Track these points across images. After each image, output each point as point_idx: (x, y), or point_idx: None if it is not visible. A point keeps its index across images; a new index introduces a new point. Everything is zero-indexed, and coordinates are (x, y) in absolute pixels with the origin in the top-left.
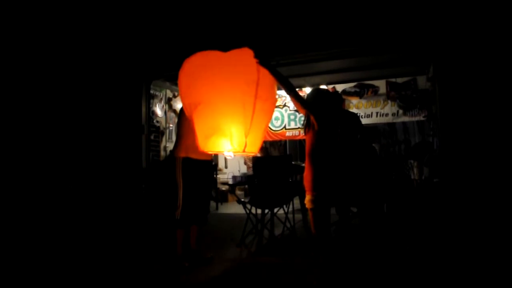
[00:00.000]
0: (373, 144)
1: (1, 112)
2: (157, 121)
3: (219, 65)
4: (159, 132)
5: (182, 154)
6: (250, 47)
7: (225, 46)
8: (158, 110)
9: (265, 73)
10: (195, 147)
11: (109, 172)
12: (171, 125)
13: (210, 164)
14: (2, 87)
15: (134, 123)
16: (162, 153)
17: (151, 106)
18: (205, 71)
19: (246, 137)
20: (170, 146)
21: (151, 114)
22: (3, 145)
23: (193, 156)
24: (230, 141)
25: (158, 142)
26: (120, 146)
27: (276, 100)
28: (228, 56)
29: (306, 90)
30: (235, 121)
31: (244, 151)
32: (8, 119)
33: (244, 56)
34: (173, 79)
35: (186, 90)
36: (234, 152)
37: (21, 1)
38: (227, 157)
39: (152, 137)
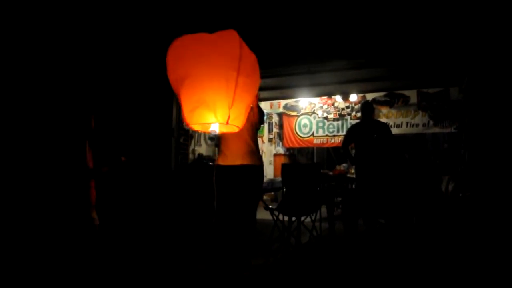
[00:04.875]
0: (404, 155)
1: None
2: (186, 124)
3: (205, 43)
4: (188, 136)
5: (216, 162)
6: (283, 57)
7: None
8: None
9: (247, 51)
10: (227, 153)
11: (140, 173)
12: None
13: (249, 169)
14: (39, 90)
15: (165, 126)
16: (190, 156)
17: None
18: (192, 49)
19: (229, 109)
20: (198, 149)
21: (181, 117)
22: (34, 148)
23: (224, 162)
24: (214, 113)
25: (187, 145)
26: (150, 148)
27: (259, 79)
28: (213, 36)
29: (337, 98)
30: (219, 94)
31: (227, 123)
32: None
33: (229, 36)
34: None
35: (173, 66)
36: (218, 123)
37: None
38: (212, 133)
39: (181, 140)
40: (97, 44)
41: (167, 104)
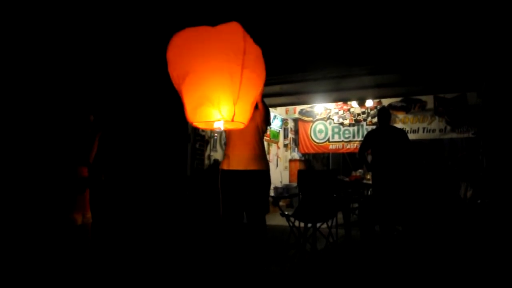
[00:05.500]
0: (423, 161)
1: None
2: (202, 130)
3: (207, 37)
4: (204, 141)
5: (221, 166)
6: (299, 63)
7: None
8: None
9: (251, 44)
10: (232, 158)
11: (156, 178)
12: (215, 135)
13: (254, 174)
14: (55, 93)
15: (181, 132)
16: (206, 161)
17: None
18: (193, 43)
19: (234, 105)
20: (214, 155)
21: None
22: (47, 150)
23: (229, 167)
24: (218, 110)
25: (203, 151)
26: (167, 153)
27: (264, 73)
28: (216, 29)
29: (353, 104)
30: (223, 90)
31: (233, 120)
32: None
33: (232, 28)
34: None
35: (174, 62)
36: (223, 120)
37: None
38: (217, 130)
39: (197, 146)
40: (108, 47)
41: (183, 110)
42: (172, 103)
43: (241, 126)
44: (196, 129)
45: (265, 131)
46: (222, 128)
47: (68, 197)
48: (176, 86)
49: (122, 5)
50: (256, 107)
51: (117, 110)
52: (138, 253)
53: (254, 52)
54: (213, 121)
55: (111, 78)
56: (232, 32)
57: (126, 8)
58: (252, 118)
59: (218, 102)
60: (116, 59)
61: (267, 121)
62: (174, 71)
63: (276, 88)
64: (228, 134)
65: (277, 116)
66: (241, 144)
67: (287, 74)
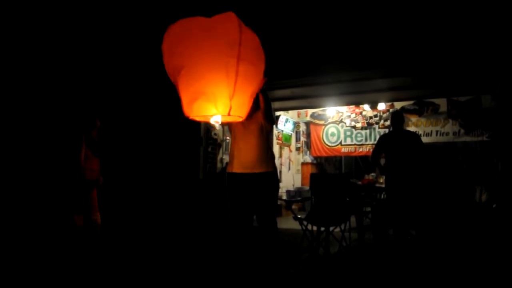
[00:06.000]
0: (437, 165)
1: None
2: (215, 134)
3: (202, 28)
4: (216, 144)
5: (227, 168)
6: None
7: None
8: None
9: (248, 35)
10: (237, 160)
11: (169, 182)
12: (227, 138)
13: (260, 177)
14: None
15: (193, 135)
16: (219, 164)
17: None
18: (188, 35)
19: (230, 99)
20: (227, 158)
21: (209, 126)
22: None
23: (235, 170)
24: (214, 104)
25: (215, 154)
26: (179, 157)
27: (263, 64)
28: (211, 20)
29: (365, 107)
30: (219, 83)
31: (229, 114)
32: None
33: (228, 19)
34: None
35: (169, 55)
36: (219, 114)
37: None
38: (214, 124)
39: (209, 149)
40: (115, 48)
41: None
42: None
43: (239, 119)
44: (208, 132)
45: (270, 130)
46: (220, 122)
47: (68, 199)
48: (172, 79)
49: (124, 5)
50: (257, 104)
51: (129, 114)
52: (150, 256)
53: (251, 42)
54: (210, 116)
55: (121, 80)
56: (227, 23)
57: (128, 7)
58: (255, 118)
59: (214, 96)
60: (124, 59)
61: (268, 116)
62: (169, 64)
63: (287, 92)
64: (232, 135)
65: (289, 119)
66: (246, 146)
67: (298, 78)
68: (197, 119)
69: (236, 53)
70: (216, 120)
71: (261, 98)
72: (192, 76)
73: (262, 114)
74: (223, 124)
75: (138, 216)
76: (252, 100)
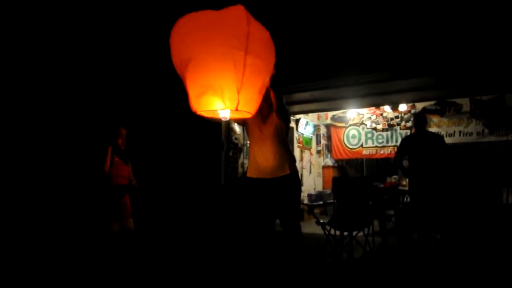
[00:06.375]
0: (463, 167)
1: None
2: (236, 138)
3: (210, 21)
4: (237, 149)
5: (247, 173)
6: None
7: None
8: (237, 127)
9: (256, 28)
10: (256, 166)
11: (191, 187)
12: (248, 142)
13: (280, 181)
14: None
15: (214, 140)
16: (240, 169)
17: (230, 123)
18: (196, 28)
19: (238, 93)
20: (247, 162)
21: (230, 131)
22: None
23: (254, 175)
24: (221, 99)
25: (236, 159)
26: (201, 162)
27: (273, 58)
28: (220, 13)
29: (386, 109)
30: (225, 77)
31: (237, 109)
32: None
33: (236, 12)
34: None
35: (176, 49)
36: (226, 109)
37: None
38: (223, 119)
39: (230, 153)
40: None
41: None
42: None
43: (248, 115)
44: (229, 137)
45: (286, 130)
46: (228, 118)
47: (101, 206)
48: (179, 73)
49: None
50: (271, 106)
51: (152, 120)
52: (173, 262)
53: (260, 35)
54: (217, 110)
55: (144, 88)
56: (235, 16)
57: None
58: (270, 121)
59: (221, 90)
60: (147, 66)
61: (281, 111)
62: (176, 57)
63: (306, 95)
64: (250, 140)
65: (309, 122)
66: (263, 151)
67: (317, 81)
68: (205, 114)
69: (244, 46)
70: (224, 115)
71: (272, 95)
72: (199, 69)
73: (276, 111)
74: (237, 123)
75: (162, 222)
76: (261, 96)
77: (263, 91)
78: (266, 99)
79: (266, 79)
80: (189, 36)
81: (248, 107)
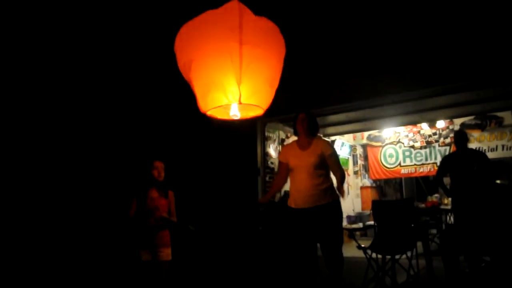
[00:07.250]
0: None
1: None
2: (271, 162)
3: (208, 21)
4: (274, 173)
5: (288, 203)
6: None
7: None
8: (272, 151)
9: (251, 18)
10: (296, 195)
11: (229, 213)
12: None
13: (323, 208)
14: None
15: (250, 165)
16: (277, 194)
17: (265, 147)
18: (196, 30)
19: (239, 85)
20: (285, 187)
21: (266, 155)
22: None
23: (295, 205)
24: (224, 93)
25: None
26: (238, 188)
27: (277, 47)
28: (215, 11)
29: (423, 126)
30: (224, 70)
31: (240, 102)
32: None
33: (229, 6)
34: (286, 121)
35: (181, 52)
36: (235, 105)
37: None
38: (233, 117)
39: (267, 178)
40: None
41: (252, 143)
42: (241, 138)
43: (258, 109)
44: (265, 162)
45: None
46: (239, 116)
47: (136, 234)
48: (184, 75)
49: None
50: (312, 132)
51: (186, 149)
52: None
53: (258, 25)
54: (223, 107)
55: (177, 119)
56: (228, 10)
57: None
58: (311, 151)
59: (222, 84)
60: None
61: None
62: (180, 61)
63: (342, 117)
64: (290, 168)
65: (344, 143)
66: (302, 180)
67: (352, 102)
68: (214, 115)
69: (238, 37)
70: (234, 113)
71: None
72: (200, 67)
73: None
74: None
75: (202, 251)
76: (272, 89)
77: (273, 83)
78: (303, 127)
79: (272, 70)
80: (189, 39)
81: (254, 100)
